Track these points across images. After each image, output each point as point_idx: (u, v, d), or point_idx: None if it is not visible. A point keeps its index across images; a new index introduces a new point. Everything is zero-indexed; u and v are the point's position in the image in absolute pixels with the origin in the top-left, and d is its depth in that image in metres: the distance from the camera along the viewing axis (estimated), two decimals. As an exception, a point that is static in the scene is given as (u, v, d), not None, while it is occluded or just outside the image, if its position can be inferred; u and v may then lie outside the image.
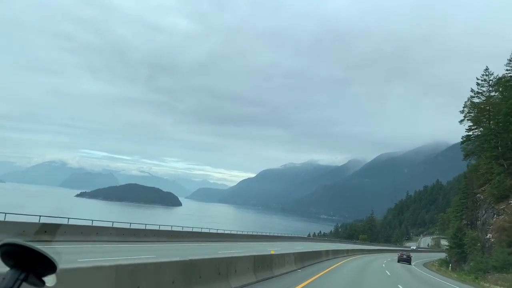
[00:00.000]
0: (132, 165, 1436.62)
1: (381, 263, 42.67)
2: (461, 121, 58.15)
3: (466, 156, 59.86)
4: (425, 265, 57.03)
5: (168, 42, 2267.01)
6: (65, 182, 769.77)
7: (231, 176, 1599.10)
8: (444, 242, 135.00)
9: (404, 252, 54.88)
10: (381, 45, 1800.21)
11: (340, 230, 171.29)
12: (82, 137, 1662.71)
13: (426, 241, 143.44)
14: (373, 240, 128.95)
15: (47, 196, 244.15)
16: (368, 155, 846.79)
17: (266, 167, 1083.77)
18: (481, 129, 56.36)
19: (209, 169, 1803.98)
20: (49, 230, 19.34)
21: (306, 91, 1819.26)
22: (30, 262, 2.07)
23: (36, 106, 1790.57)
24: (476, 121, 56.71)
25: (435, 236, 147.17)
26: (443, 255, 75.78)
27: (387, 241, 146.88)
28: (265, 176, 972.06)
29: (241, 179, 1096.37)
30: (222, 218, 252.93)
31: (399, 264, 45.81)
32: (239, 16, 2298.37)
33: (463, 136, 59.45)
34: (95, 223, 28.10)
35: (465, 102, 58.30)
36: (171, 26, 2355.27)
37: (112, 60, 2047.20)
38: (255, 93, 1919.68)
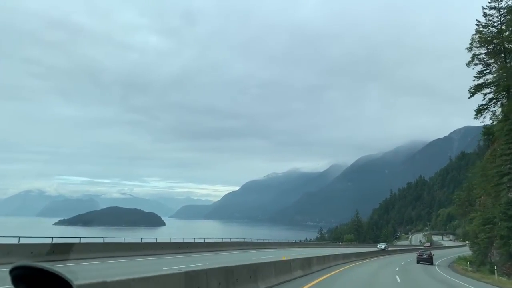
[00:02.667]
0: (113, 188, 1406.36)
1: None
2: (468, 64, 44.69)
3: (480, 112, 45.10)
4: (453, 268, 42.62)
5: (140, 60, 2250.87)
6: (44, 211, 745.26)
7: (215, 191, 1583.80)
8: (436, 238, 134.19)
9: (424, 251, 47.55)
10: (352, 49, 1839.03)
11: (326, 235, 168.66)
12: (58, 163, 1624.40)
13: (417, 238, 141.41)
14: (361, 241, 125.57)
15: (24, 228, 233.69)
16: (349, 159, 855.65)
17: (249, 179, 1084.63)
18: (496, 72, 43.29)
19: (192, 185, 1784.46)
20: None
21: (283, 100, 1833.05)
22: (44, 285, 1.96)
23: (7, 134, 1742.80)
24: (493, 56, 42.70)
25: (426, 233, 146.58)
26: (447, 252, 69.88)
27: (376, 242, 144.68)
28: (249, 188, 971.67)
29: (225, 193, 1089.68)
30: (208, 234, 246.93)
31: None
32: (210, 30, 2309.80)
33: (471, 87, 45.02)
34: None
35: (472, 35, 44.35)
36: (142, 44, 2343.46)
37: (84, 82, 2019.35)
38: (233, 105, 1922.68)
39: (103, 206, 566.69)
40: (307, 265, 22.29)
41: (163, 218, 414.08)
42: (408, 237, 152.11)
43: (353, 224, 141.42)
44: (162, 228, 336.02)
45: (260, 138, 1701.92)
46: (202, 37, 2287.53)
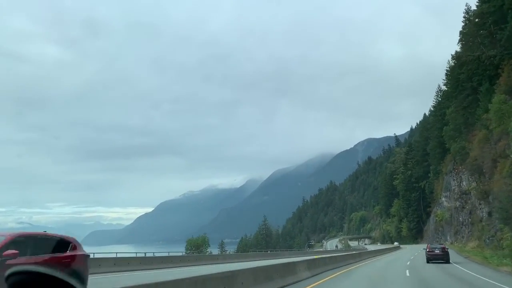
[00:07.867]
0: (8, 217, 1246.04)
1: None
2: None
3: None
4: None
5: (36, 72, 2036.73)
6: None
7: (127, 213, 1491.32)
8: (352, 244, 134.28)
9: (436, 245, 33.25)
10: (263, 65, 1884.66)
11: (236, 250, 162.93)
12: None
13: (332, 244, 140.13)
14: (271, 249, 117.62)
15: None
16: (264, 173, 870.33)
17: (164, 199, 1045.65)
18: None
19: (102, 209, 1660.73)
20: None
21: (197, 116, 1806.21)
22: None
23: None
24: None
25: (342, 238, 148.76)
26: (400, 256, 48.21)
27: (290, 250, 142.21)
28: (164, 209, 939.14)
29: (138, 215, 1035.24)
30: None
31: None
32: (116, 42, 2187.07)
33: None
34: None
35: None
36: (38, 55, 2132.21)
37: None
38: (144, 122, 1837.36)
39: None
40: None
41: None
42: (322, 244, 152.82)
43: (261, 233, 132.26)
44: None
45: (174, 155, 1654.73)
46: (107, 49, 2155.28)
